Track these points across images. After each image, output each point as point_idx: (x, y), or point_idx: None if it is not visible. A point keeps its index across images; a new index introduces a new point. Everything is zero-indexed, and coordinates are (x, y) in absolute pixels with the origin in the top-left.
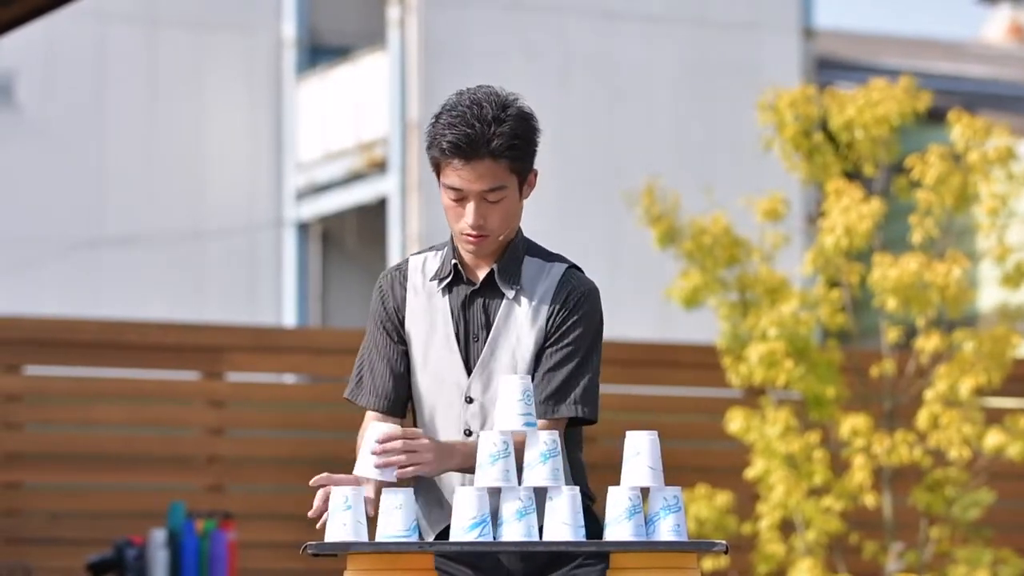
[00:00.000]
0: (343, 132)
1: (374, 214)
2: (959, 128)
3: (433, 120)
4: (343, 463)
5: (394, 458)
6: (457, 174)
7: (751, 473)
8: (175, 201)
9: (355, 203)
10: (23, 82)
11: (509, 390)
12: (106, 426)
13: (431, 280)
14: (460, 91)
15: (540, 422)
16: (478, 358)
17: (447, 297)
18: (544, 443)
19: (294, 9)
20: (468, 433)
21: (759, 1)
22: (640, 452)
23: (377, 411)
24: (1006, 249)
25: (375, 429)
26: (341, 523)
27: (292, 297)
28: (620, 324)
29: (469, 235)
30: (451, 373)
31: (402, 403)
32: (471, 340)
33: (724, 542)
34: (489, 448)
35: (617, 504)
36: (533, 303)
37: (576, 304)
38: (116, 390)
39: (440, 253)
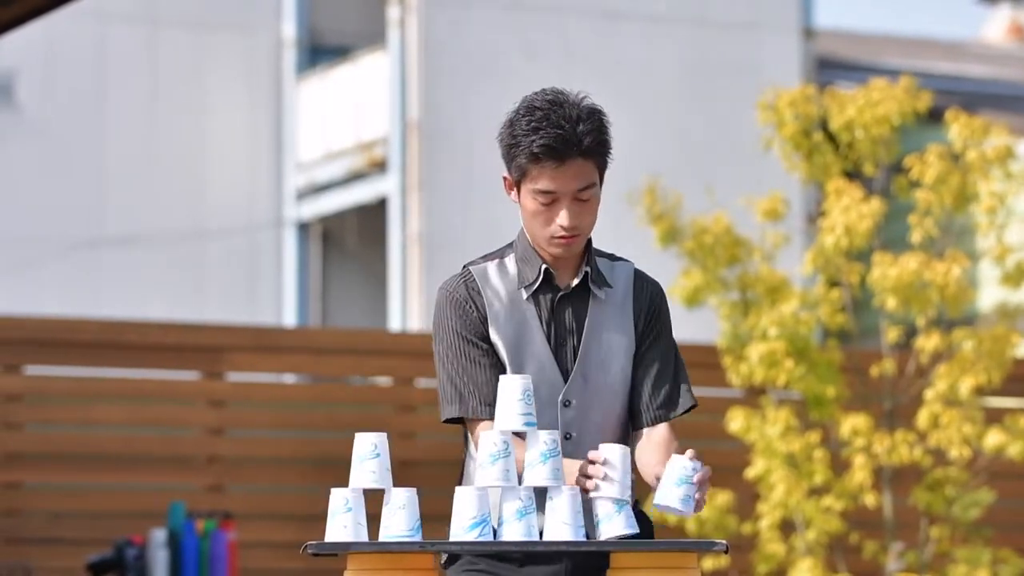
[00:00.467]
0: (343, 132)
1: (374, 214)
2: (957, 127)
3: (507, 129)
4: (344, 463)
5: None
6: (550, 177)
7: (751, 473)
8: (175, 201)
9: (355, 203)
10: (23, 82)
11: (508, 389)
12: (106, 426)
13: (518, 287)
14: (525, 97)
15: (663, 425)
16: (571, 362)
17: (533, 303)
18: (544, 443)
19: (294, 9)
20: (568, 437)
21: (759, 1)
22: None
23: (489, 419)
24: (1005, 248)
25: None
26: (341, 524)
27: (292, 297)
28: None
29: (563, 237)
30: (545, 378)
31: None
32: (561, 344)
33: (724, 542)
34: (489, 448)
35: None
36: (616, 303)
37: (660, 304)
38: (116, 390)
39: (506, 260)
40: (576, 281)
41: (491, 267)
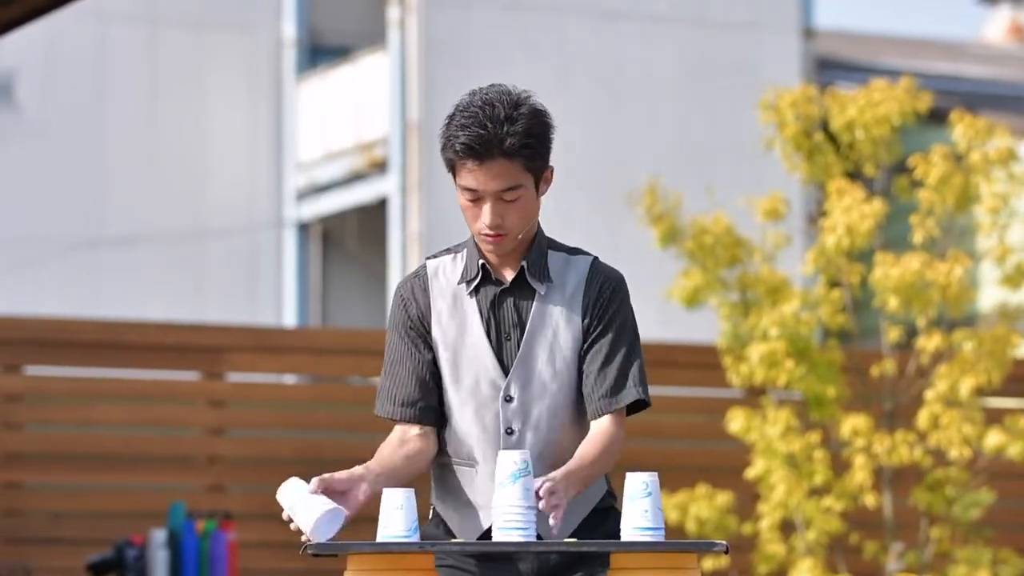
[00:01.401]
0: (343, 132)
1: (374, 214)
2: (960, 128)
3: (446, 121)
4: (344, 463)
5: (559, 505)
6: (472, 175)
7: (752, 473)
8: (175, 201)
9: (355, 203)
10: (23, 82)
11: (388, 500)
12: (106, 426)
13: (458, 283)
14: (472, 91)
15: (606, 417)
16: (513, 356)
17: (475, 298)
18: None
19: (294, 9)
20: (510, 432)
21: (759, 1)
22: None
23: (403, 421)
24: (1006, 249)
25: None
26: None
27: (292, 297)
28: None
29: (487, 235)
30: (486, 374)
31: (432, 411)
32: (503, 339)
33: (724, 542)
34: (510, 467)
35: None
36: (566, 296)
37: (611, 294)
38: (116, 390)
39: (459, 255)
40: (511, 276)
41: (446, 261)
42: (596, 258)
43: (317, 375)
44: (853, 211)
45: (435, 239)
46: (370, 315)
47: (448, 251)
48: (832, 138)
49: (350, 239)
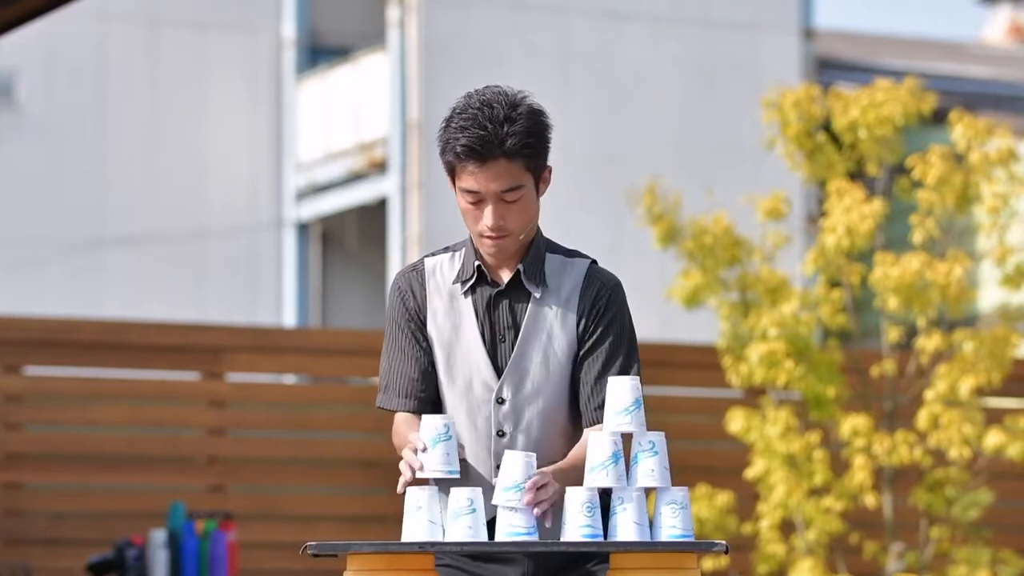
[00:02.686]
0: (343, 132)
1: (374, 214)
2: (960, 128)
3: (444, 125)
4: (344, 463)
5: (545, 499)
6: (473, 177)
7: (751, 473)
8: (176, 201)
9: (355, 203)
10: (23, 82)
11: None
12: (107, 426)
13: (453, 282)
14: (468, 93)
15: (598, 427)
16: (507, 359)
17: (470, 299)
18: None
19: (294, 9)
20: (501, 434)
21: (759, 1)
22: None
23: (408, 412)
24: (1006, 250)
25: (427, 424)
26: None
27: (292, 297)
28: None
29: (490, 237)
30: (479, 375)
31: (431, 402)
32: (498, 341)
33: (724, 542)
34: (430, 432)
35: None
36: (561, 300)
37: (607, 302)
38: (117, 390)
39: (457, 255)
40: (508, 278)
41: (444, 260)
42: (594, 261)
43: (317, 375)
44: (853, 211)
45: (435, 239)
46: (370, 315)
47: (446, 250)
48: (834, 138)
49: (350, 239)
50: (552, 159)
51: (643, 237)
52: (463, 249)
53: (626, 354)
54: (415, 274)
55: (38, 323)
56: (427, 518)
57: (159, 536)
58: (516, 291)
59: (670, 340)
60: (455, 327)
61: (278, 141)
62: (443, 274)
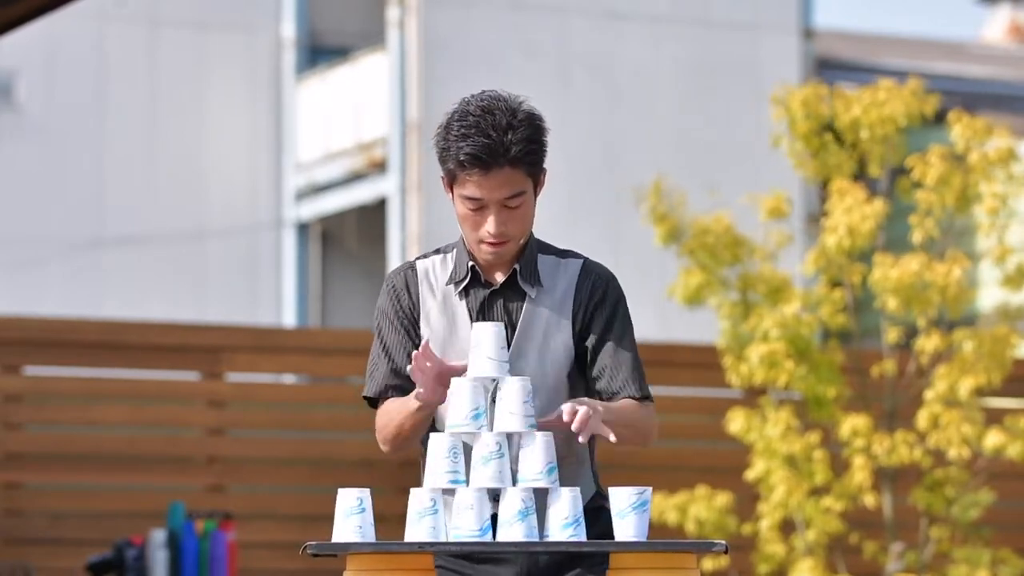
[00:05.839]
0: (343, 132)
1: (374, 214)
2: (959, 128)
3: (441, 132)
4: (344, 463)
5: (587, 420)
6: (476, 185)
7: (751, 473)
8: (175, 201)
9: (355, 203)
10: (23, 82)
11: (510, 392)
12: (106, 426)
13: (447, 284)
14: (464, 99)
15: (627, 401)
16: None
17: (464, 300)
18: (490, 444)
19: (294, 9)
20: None
21: (759, 1)
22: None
23: (396, 395)
24: (1006, 250)
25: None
26: (356, 525)
27: (292, 297)
28: None
29: (490, 243)
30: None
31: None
32: None
33: (724, 542)
34: (482, 450)
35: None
36: (556, 299)
37: (604, 293)
38: (117, 390)
39: (448, 256)
40: (503, 278)
41: (435, 261)
42: (587, 259)
43: (316, 375)
44: (854, 212)
45: (435, 239)
46: (370, 315)
47: (437, 251)
48: (837, 137)
49: (350, 239)
50: (551, 159)
51: (642, 237)
52: (454, 251)
53: (630, 339)
54: (410, 273)
55: (38, 323)
56: (430, 523)
57: (159, 536)
58: (511, 291)
59: (670, 340)
60: (449, 328)
61: (278, 141)
62: (436, 275)
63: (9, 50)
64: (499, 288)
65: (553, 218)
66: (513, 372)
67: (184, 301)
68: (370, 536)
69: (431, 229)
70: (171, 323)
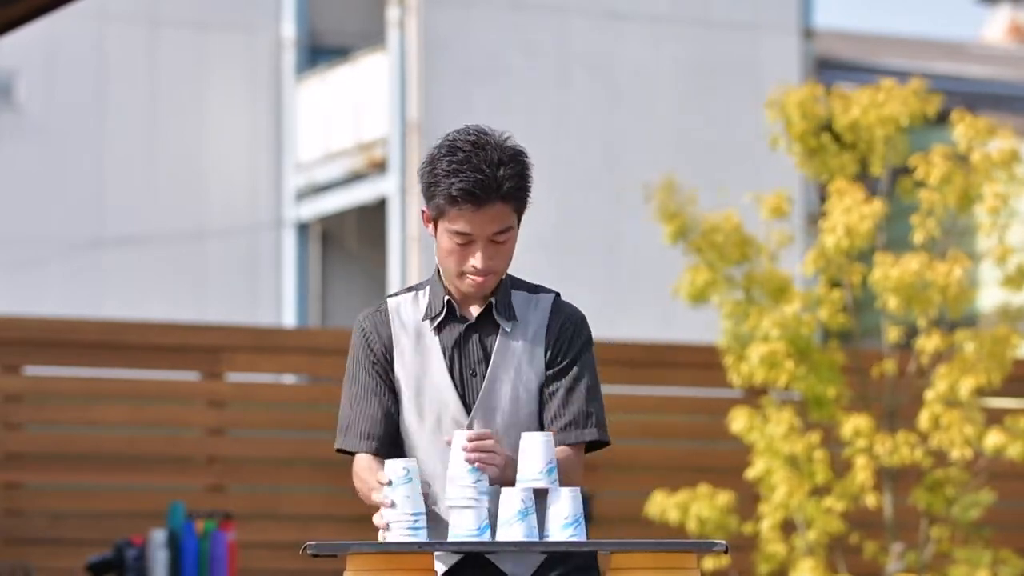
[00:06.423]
0: (343, 132)
1: (374, 214)
2: (961, 128)
3: (428, 167)
4: (343, 463)
5: (487, 456)
6: (466, 220)
7: (752, 473)
8: (175, 201)
9: (355, 203)
10: (23, 82)
11: (531, 447)
12: (107, 426)
13: (422, 319)
14: (448, 135)
15: (563, 448)
16: (476, 393)
17: (439, 335)
18: (522, 501)
19: (294, 9)
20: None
21: (759, 1)
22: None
23: (368, 453)
24: (1007, 250)
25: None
26: (404, 495)
27: (292, 297)
28: (621, 324)
29: (476, 277)
30: (447, 411)
31: (391, 443)
32: (467, 376)
33: (724, 542)
34: (516, 505)
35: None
36: (529, 334)
37: (574, 332)
38: (117, 390)
39: (420, 293)
40: (478, 311)
41: (406, 300)
42: (558, 295)
43: (316, 375)
44: (853, 212)
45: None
46: None
47: (409, 290)
48: (836, 137)
49: (350, 239)
50: (551, 159)
51: (642, 237)
52: (427, 287)
53: (591, 381)
54: (379, 315)
55: (38, 323)
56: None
57: (159, 536)
58: (485, 325)
59: (671, 340)
60: (423, 365)
61: (278, 141)
62: (408, 313)
63: (9, 50)
64: (474, 322)
65: (551, 219)
66: (488, 402)
67: (184, 301)
68: (419, 505)
69: None
70: (171, 323)
